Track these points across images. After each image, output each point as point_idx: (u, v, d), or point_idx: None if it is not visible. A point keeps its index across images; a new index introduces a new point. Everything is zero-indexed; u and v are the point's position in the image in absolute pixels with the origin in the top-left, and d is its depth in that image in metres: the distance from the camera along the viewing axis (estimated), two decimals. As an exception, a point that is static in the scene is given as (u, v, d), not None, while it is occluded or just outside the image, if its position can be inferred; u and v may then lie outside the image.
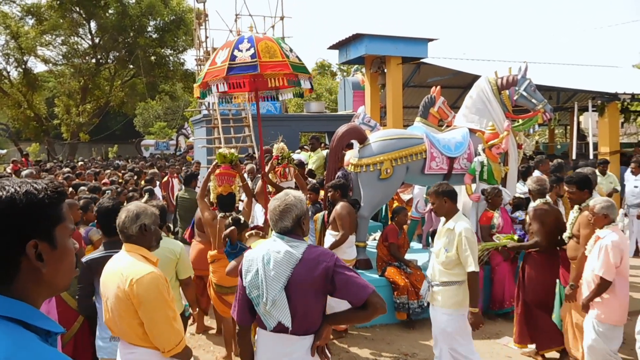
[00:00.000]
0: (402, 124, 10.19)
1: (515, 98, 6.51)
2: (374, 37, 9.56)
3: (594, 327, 3.89)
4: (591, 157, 10.14)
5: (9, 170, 14.56)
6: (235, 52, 4.48)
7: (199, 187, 5.92)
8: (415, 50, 9.94)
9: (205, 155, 12.27)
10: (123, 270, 2.58)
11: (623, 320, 3.93)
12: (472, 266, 3.64)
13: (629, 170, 8.24)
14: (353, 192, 6.23)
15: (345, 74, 29.71)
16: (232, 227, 3.85)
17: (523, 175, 6.91)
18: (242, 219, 4.17)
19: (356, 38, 9.76)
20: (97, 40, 29.47)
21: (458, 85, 13.03)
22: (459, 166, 6.22)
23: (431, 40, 10.11)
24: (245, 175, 6.50)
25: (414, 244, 7.31)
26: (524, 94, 6.47)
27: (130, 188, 8.40)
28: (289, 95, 5.38)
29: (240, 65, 4.44)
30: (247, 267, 2.51)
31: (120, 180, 10.11)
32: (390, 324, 5.60)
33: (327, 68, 36.13)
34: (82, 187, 7.39)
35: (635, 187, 7.97)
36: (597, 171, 7.83)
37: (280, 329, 2.40)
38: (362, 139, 6.07)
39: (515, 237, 5.25)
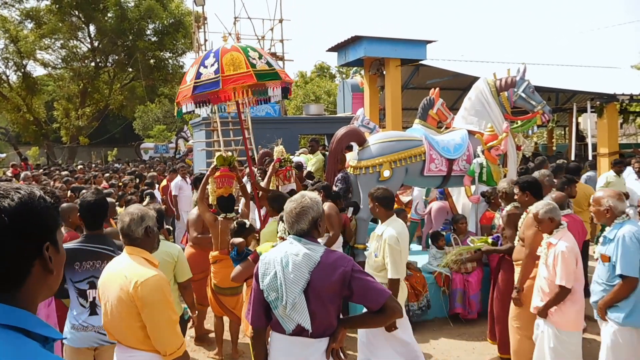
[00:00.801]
0: (401, 126, 10.20)
1: (514, 99, 6.52)
2: (373, 39, 9.59)
3: (555, 335, 3.77)
4: (590, 158, 10.16)
5: (9, 174, 14.64)
6: (201, 69, 4.53)
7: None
8: (414, 52, 9.96)
9: (205, 158, 12.27)
10: (126, 272, 2.56)
11: (581, 325, 3.85)
12: (391, 273, 3.82)
13: (631, 170, 8.08)
14: (353, 195, 6.24)
15: (344, 76, 29.76)
16: (242, 240, 3.82)
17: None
18: (248, 222, 4.17)
19: (355, 40, 9.78)
20: (96, 44, 29.47)
21: (457, 87, 13.05)
22: (458, 168, 6.23)
23: (430, 42, 10.14)
24: (246, 177, 6.50)
25: (414, 246, 7.31)
26: (523, 95, 6.48)
27: (130, 192, 8.40)
28: (278, 97, 5.33)
29: (204, 82, 4.49)
30: (264, 270, 2.48)
31: (119, 184, 10.10)
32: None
33: (326, 70, 36.20)
34: (83, 191, 7.39)
35: None
36: (613, 172, 7.78)
37: (298, 332, 2.38)
38: (361, 141, 6.07)
39: (490, 240, 5.23)
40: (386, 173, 5.77)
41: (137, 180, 10.80)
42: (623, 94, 8.74)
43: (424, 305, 5.65)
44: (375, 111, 10.67)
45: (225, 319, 5.17)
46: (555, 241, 3.72)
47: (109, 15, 27.77)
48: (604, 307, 3.59)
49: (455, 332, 5.48)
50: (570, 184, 5.78)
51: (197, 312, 4.26)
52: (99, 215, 3.40)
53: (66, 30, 27.53)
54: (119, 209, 6.42)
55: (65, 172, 13.10)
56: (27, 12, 27.17)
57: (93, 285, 3.21)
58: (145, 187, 8.97)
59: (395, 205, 7.60)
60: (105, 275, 2.70)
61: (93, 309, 3.22)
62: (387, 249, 3.82)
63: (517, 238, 4.39)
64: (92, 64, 29.82)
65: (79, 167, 18.36)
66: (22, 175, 11.31)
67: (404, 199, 7.99)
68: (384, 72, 10.21)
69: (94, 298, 3.21)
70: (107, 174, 12.96)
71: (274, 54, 16.34)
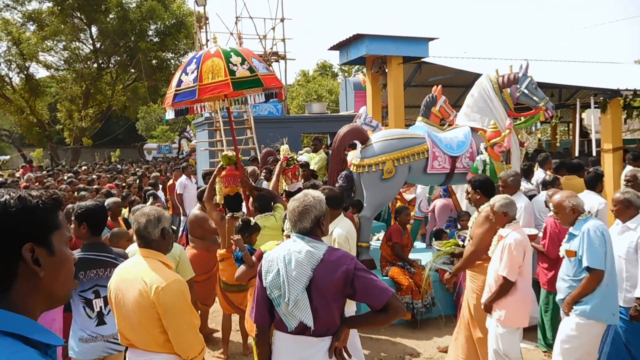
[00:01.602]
0: (404, 123, 10.17)
1: (517, 96, 6.50)
2: (375, 37, 9.56)
3: (496, 330, 3.75)
4: (594, 153, 10.11)
5: (17, 175, 15.48)
6: (182, 77, 4.45)
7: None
8: (416, 49, 9.93)
9: (208, 158, 12.28)
10: (145, 277, 2.48)
11: (525, 322, 3.81)
12: None
13: None
14: (356, 193, 6.23)
15: (346, 74, 29.71)
16: (239, 237, 3.82)
17: (525, 173, 6.89)
18: (253, 220, 4.17)
19: (357, 38, 9.75)
20: (98, 45, 29.55)
21: (459, 84, 13.00)
22: (462, 165, 6.21)
23: (432, 39, 10.10)
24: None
25: (418, 244, 7.31)
26: (526, 91, 6.46)
27: (134, 192, 8.43)
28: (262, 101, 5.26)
29: (183, 91, 4.42)
30: (267, 268, 2.49)
31: (123, 184, 10.14)
32: (395, 323, 5.58)
33: (328, 69, 36.18)
34: (82, 192, 7.41)
35: None
36: (629, 167, 7.64)
37: (301, 330, 2.38)
38: (364, 140, 6.07)
39: (460, 242, 5.17)
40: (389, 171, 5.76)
41: (138, 182, 10.84)
42: (627, 90, 8.68)
43: (429, 303, 5.64)
44: (377, 109, 10.64)
45: (234, 319, 5.18)
46: (506, 233, 3.74)
47: (111, 16, 27.84)
48: (572, 302, 3.59)
49: (460, 330, 5.46)
50: (601, 180, 5.38)
51: (199, 311, 4.28)
52: (101, 222, 3.42)
53: (68, 32, 27.63)
54: (123, 210, 6.44)
55: (70, 175, 13.15)
56: (29, 14, 27.28)
57: (98, 295, 3.20)
58: (149, 188, 9.00)
59: (399, 203, 7.65)
60: (119, 280, 2.61)
61: (101, 318, 3.20)
62: (336, 247, 3.75)
63: (467, 238, 4.36)
64: (95, 65, 29.92)
65: (83, 168, 18.44)
66: (24, 177, 11.41)
67: (408, 196, 7.98)
68: (386, 70, 10.18)
69: (101, 307, 3.20)
70: (109, 175, 13.00)
71: (275, 53, 16.36)
